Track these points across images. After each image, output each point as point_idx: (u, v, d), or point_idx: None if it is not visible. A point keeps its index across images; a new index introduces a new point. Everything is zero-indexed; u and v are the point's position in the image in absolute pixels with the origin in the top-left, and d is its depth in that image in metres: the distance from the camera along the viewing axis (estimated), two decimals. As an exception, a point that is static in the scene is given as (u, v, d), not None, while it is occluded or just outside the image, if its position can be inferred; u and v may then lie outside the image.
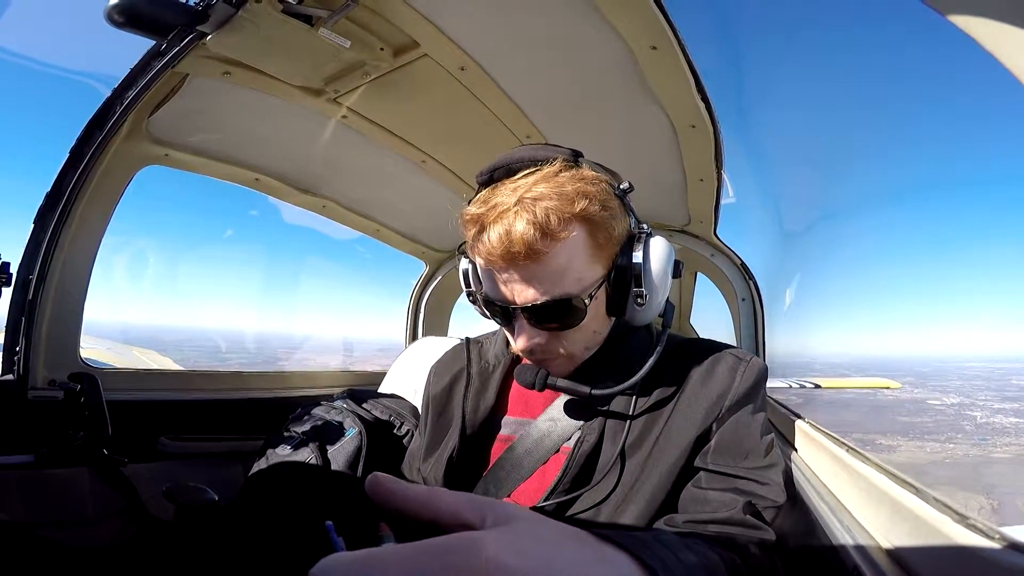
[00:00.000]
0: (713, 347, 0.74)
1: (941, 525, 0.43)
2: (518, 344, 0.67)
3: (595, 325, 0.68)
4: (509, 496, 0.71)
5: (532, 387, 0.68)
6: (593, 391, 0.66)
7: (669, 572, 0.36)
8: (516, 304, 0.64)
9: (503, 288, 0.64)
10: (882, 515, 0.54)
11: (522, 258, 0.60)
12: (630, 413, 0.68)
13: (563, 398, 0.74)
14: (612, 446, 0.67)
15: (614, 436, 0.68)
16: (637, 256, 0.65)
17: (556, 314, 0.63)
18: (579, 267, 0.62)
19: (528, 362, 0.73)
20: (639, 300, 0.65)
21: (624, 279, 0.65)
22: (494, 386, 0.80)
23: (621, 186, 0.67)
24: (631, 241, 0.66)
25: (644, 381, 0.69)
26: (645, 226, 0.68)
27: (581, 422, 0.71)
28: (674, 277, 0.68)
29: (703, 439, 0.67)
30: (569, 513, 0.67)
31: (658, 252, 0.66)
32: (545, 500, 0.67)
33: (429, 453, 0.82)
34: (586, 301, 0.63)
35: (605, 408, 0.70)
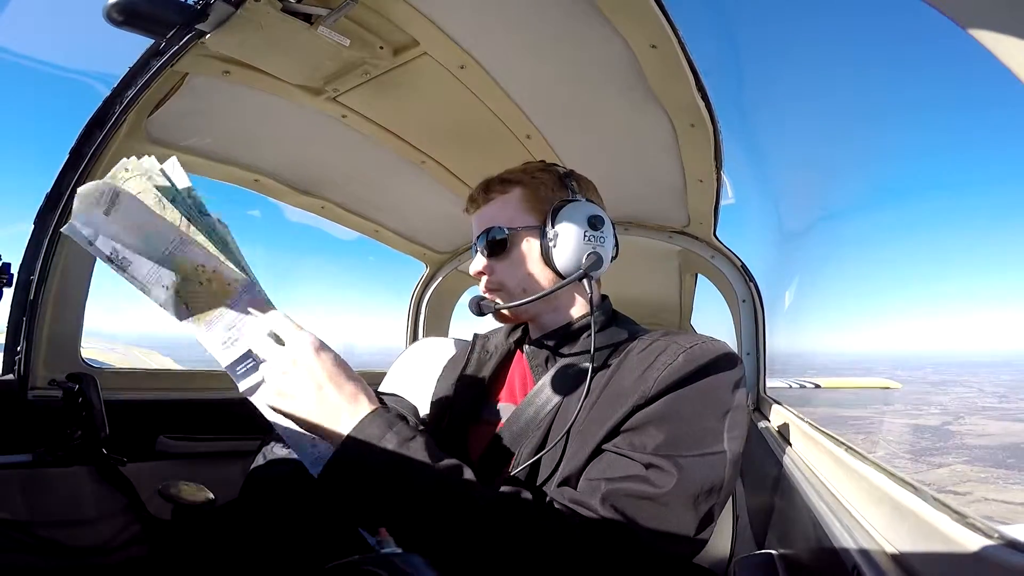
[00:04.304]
0: (671, 337, 0.72)
1: (941, 525, 0.42)
2: (471, 268, 0.84)
3: (528, 265, 0.80)
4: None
5: (474, 312, 0.84)
6: (497, 304, 0.81)
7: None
8: (475, 238, 0.84)
9: (473, 230, 0.85)
10: (882, 515, 0.54)
11: (476, 203, 0.85)
12: (585, 390, 0.70)
13: (541, 383, 0.77)
14: (562, 423, 0.71)
15: (567, 413, 0.71)
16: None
17: (492, 241, 0.81)
18: (512, 212, 0.82)
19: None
20: (551, 240, 0.78)
21: (546, 227, 0.80)
22: (488, 372, 0.88)
23: (562, 171, 0.86)
24: (560, 205, 0.80)
25: (598, 361, 0.74)
26: (580, 197, 0.82)
27: (558, 398, 0.74)
28: (593, 229, 0.78)
29: (622, 423, 0.65)
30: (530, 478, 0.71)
31: (571, 207, 0.80)
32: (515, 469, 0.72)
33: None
34: (507, 230, 0.80)
35: (569, 382, 0.75)
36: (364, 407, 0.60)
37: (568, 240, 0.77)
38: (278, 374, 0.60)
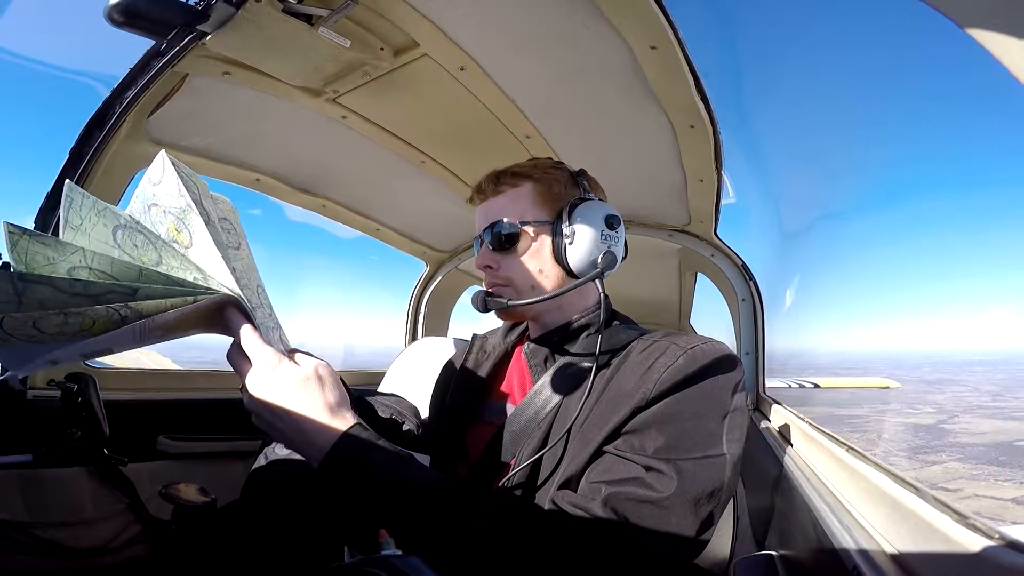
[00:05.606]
0: (671, 338, 0.71)
1: (941, 525, 0.43)
2: (477, 261, 0.83)
3: (538, 262, 0.79)
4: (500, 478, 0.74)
5: (478, 308, 0.81)
6: (509, 301, 0.78)
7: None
8: (480, 231, 0.82)
9: (478, 222, 0.83)
10: (882, 515, 0.54)
11: (484, 194, 0.83)
12: (587, 390, 0.70)
13: (541, 383, 0.76)
14: (563, 422, 0.70)
15: (567, 412, 0.71)
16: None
17: (500, 234, 0.79)
18: (522, 207, 0.80)
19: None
20: (567, 238, 0.77)
21: (559, 224, 0.78)
22: (485, 372, 0.88)
23: (572, 170, 0.85)
24: (576, 203, 0.79)
25: (600, 362, 0.73)
26: (592, 196, 0.82)
27: (558, 398, 0.74)
28: (610, 228, 0.78)
29: (623, 425, 0.65)
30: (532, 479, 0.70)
31: (587, 205, 0.79)
32: (514, 469, 0.71)
33: (422, 435, 0.92)
34: (519, 224, 0.79)
35: (569, 382, 0.74)
36: (332, 435, 0.55)
37: (585, 238, 0.76)
38: (246, 394, 0.56)
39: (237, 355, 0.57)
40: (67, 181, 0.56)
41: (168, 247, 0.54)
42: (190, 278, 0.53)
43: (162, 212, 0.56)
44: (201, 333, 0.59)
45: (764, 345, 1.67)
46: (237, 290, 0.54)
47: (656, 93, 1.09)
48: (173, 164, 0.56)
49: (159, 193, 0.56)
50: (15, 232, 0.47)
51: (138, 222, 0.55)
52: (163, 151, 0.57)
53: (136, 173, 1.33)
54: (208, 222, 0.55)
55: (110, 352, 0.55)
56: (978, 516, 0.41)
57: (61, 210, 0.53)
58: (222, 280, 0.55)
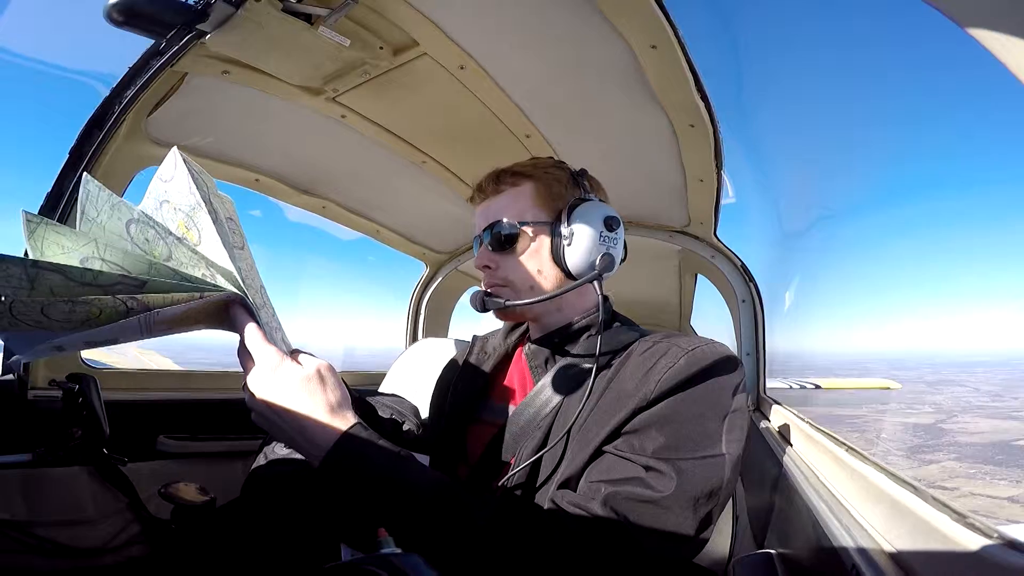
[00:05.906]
0: (672, 339, 0.71)
1: (940, 525, 0.43)
2: (475, 262, 0.83)
3: (537, 263, 0.79)
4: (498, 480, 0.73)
5: (477, 308, 0.81)
6: (507, 302, 0.78)
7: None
8: (480, 231, 0.82)
9: (478, 222, 0.83)
10: (881, 514, 0.54)
11: (484, 193, 0.83)
12: (588, 390, 0.69)
13: (542, 384, 0.76)
14: (563, 423, 0.70)
15: (567, 413, 0.71)
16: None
17: (499, 235, 0.79)
18: (522, 206, 0.79)
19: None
20: (566, 239, 0.76)
21: (558, 225, 0.78)
22: (485, 372, 0.88)
23: (573, 170, 0.84)
24: (575, 203, 0.79)
25: (601, 362, 0.72)
26: (593, 196, 0.81)
27: (559, 398, 0.73)
28: (609, 230, 0.77)
29: (623, 426, 0.65)
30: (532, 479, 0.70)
31: (587, 206, 0.78)
32: (514, 468, 0.71)
33: (423, 435, 0.92)
34: (518, 224, 0.78)
35: (570, 383, 0.74)
36: (331, 436, 0.56)
37: (583, 240, 0.76)
38: (248, 392, 0.57)
39: (244, 353, 0.57)
40: (85, 174, 0.57)
41: (178, 243, 0.54)
42: (198, 274, 0.53)
43: (173, 209, 0.56)
44: (205, 329, 0.59)
45: (764, 346, 1.67)
46: (243, 289, 0.55)
47: (656, 92, 1.09)
48: (185, 161, 0.56)
49: (170, 190, 0.56)
50: (33, 220, 0.48)
51: (151, 218, 0.55)
52: (175, 148, 0.57)
53: (136, 173, 1.33)
54: (216, 221, 0.55)
55: (115, 342, 0.55)
56: (975, 514, 0.41)
57: (79, 202, 0.54)
58: (228, 278, 0.55)
